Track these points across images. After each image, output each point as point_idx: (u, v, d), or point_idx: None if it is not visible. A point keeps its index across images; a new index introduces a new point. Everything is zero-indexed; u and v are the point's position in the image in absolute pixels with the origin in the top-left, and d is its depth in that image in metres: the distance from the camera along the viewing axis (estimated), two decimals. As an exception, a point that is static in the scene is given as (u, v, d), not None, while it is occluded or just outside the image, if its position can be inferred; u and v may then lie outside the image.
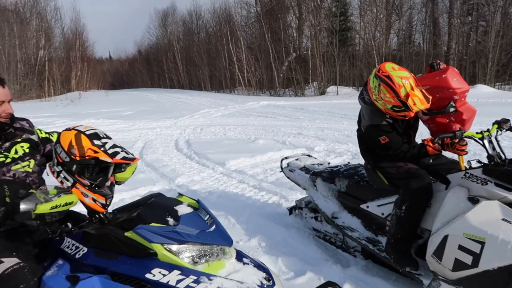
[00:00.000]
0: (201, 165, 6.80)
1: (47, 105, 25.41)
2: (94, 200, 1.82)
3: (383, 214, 2.77)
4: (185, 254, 1.68)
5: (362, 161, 3.08)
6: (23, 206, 1.51)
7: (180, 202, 1.94)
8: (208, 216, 1.88)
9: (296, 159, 3.74)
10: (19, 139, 2.04)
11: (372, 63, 23.52)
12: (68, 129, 1.86)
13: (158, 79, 48.57)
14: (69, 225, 1.96)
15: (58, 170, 1.83)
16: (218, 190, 5.32)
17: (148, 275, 1.63)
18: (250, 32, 34.77)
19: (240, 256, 1.88)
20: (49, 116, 16.38)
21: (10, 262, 1.77)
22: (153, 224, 1.73)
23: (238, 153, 7.26)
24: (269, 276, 1.82)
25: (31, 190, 1.59)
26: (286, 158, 3.76)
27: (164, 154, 7.96)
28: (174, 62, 44.42)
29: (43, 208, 1.54)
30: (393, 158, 2.67)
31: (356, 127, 2.95)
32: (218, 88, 37.48)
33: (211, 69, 38.15)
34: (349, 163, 3.58)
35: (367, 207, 2.87)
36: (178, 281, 1.62)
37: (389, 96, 2.45)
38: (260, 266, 1.87)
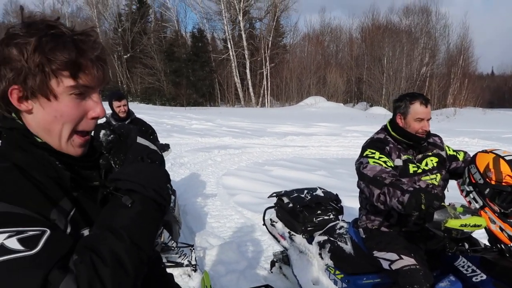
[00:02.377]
0: None
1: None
2: (501, 229, 1.75)
3: None
4: None
5: None
6: (436, 216, 1.66)
7: None
8: None
9: None
10: (430, 153, 2.25)
11: None
12: (485, 151, 1.87)
13: (552, 99, 40.36)
14: (466, 245, 1.99)
15: (468, 189, 1.88)
16: None
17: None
18: None
19: None
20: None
21: (408, 261, 2.00)
22: None
23: None
24: None
25: (442, 204, 1.71)
26: None
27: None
28: None
29: (453, 223, 1.63)
30: None
31: None
32: None
33: None
34: None
35: None
36: None
37: None
38: None
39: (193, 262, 3.29)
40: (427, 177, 2.17)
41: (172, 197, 3.49)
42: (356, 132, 14.46)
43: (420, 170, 2.17)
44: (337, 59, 41.07)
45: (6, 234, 0.69)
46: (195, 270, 3.27)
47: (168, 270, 3.49)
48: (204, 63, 33.36)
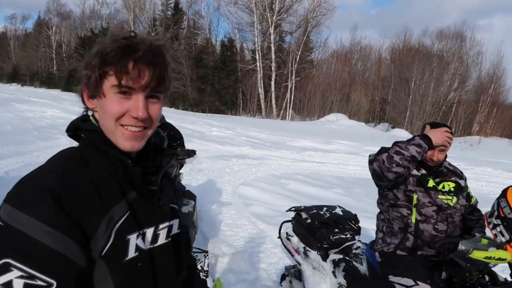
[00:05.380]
0: None
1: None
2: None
3: None
4: None
5: None
6: (461, 246, 1.64)
7: None
8: None
9: None
10: (448, 178, 2.27)
11: None
12: None
13: None
14: (486, 278, 1.94)
15: (496, 222, 1.84)
16: None
17: None
18: None
19: None
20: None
21: (424, 287, 1.96)
22: None
23: None
24: None
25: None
26: None
27: None
28: None
29: (479, 254, 1.60)
30: None
31: None
32: None
33: None
34: None
35: None
36: None
37: None
38: None
39: (206, 268, 3.30)
40: (444, 197, 2.18)
41: (192, 202, 3.52)
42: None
43: (439, 187, 2.20)
44: (364, 78, 40.83)
45: (20, 273, 0.71)
46: (206, 276, 3.28)
47: (179, 274, 3.49)
48: (231, 72, 33.68)
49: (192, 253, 3.31)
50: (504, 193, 1.85)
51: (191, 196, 3.58)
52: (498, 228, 1.81)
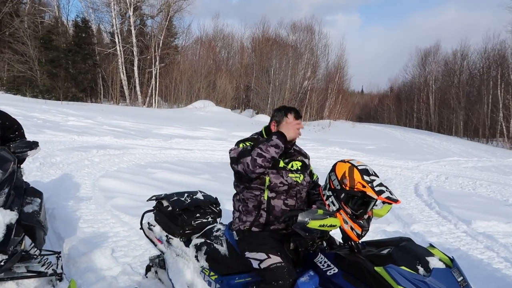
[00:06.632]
0: (442, 217, 6.27)
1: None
2: (351, 228, 2.01)
3: None
4: (431, 308, 1.64)
5: None
6: (300, 218, 1.84)
7: (432, 254, 1.90)
8: (462, 278, 1.77)
9: None
10: (295, 158, 2.53)
11: None
12: (343, 161, 2.13)
13: (405, 118, 47.54)
14: (324, 243, 2.23)
15: (328, 194, 2.11)
16: (459, 250, 4.79)
17: (389, 315, 1.68)
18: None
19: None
20: (301, 138, 18.41)
21: (275, 259, 2.16)
22: (403, 267, 1.76)
23: (489, 214, 6.32)
24: None
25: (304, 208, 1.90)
26: None
27: (401, 196, 7.74)
28: (426, 103, 42.71)
29: (314, 224, 1.83)
30: None
31: None
32: (473, 135, 33.54)
33: (468, 114, 34.59)
34: None
35: None
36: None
37: None
38: None
39: (59, 271, 3.03)
40: (293, 175, 2.43)
41: (37, 199, 3.16)
42: (241, 137, 14.92)
43: (288, 167, 2.44)
44: (228, 66, 41.90)
45: None
46: (60, 279, 3.02)
47: (30, 281, 3.14)
48: (87, 55, 30.78)
49: (42, 256, 3.01)
50: (333, 167, 2.14)
51: (36, 194, 3.21)
52: (330, 199, 2.09)
